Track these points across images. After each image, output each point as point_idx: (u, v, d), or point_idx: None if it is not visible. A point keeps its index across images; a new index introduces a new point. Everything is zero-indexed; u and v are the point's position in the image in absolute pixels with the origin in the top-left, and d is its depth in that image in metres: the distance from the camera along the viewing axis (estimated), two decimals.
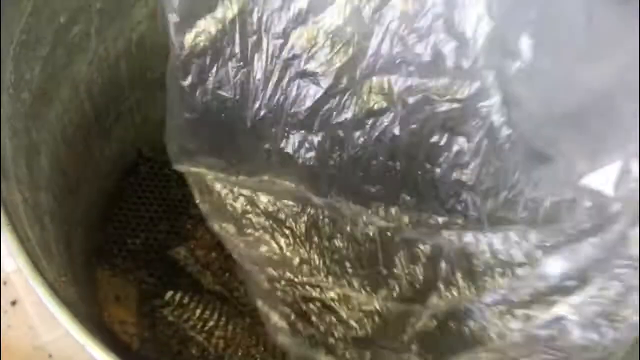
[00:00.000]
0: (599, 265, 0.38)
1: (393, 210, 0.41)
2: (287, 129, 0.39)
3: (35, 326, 0.56)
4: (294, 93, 0.38)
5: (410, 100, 0.37)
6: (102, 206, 0.55)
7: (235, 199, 0.42)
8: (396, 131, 0.38)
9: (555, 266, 0.39)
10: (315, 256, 0.42)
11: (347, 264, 0.42)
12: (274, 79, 0.38)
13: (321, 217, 0.42)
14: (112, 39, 0.49)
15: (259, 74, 0.38)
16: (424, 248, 0.41)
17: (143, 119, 0.59)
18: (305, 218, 0.42)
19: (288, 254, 0.42)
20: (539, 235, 0.39)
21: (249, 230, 0.41)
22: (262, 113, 0.39)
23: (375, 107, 0.37)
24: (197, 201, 0.41)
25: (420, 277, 0.41)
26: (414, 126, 0.38)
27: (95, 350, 0.28)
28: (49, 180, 0.44)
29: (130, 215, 0.57)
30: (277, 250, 0.41)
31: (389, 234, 0.42)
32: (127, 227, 0.57)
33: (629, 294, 0.37)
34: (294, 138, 0.39)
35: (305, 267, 0.42)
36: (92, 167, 0.52)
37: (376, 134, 0.39)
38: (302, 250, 0.42)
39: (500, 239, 0.40)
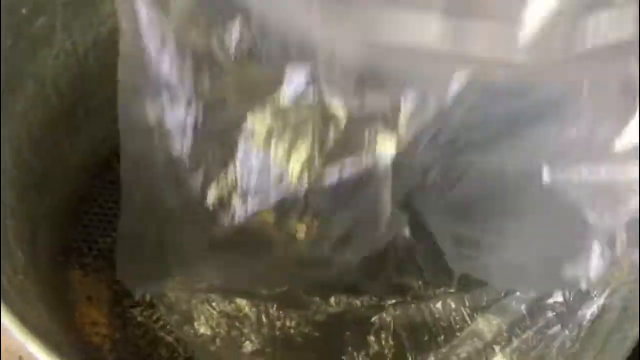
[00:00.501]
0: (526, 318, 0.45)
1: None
2: None
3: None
4: None
5: None
6: (72, 204, 0.53)
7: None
8: None
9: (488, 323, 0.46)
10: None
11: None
12: None
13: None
14: (79, 32, 0.48)
15: None
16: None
17: (115, 116, 0.57)
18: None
19: None
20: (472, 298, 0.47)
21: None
22: None
23: None
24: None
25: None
26: None
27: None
28: (12, 175, 0.42)
29: (102, 213, 0.56)
30: None
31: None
32: (99, 225, 0.55)
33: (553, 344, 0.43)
34: None
35: None
36: (61, 164, 0.51)
37: None
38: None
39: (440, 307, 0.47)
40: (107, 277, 0.54)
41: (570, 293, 0.44)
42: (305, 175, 0.39)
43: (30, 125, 0.46)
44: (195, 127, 0.39)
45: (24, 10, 0.41)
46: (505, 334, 0.46)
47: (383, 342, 0.46)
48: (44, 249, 0.48)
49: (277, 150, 0.38)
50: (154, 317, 0.47)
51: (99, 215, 0.56)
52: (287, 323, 0.47)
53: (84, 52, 0.49)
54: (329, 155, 0.38)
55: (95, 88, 0.53)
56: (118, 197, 0.58)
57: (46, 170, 0.49)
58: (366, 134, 0.37)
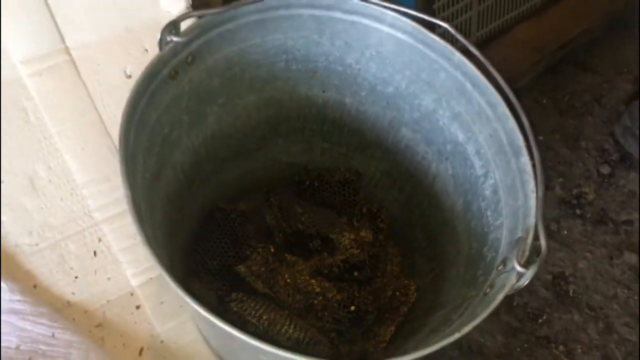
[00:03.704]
0: None
1: None
2: None
3: (152, 321, 0.85)
4: None
5: None
6: (191, 240, 0.84)
7: None
8: None
9: None
10: None
11: None
12: None
13: None
14: (195, 135, 0.79)
15: None
16: None
17: (216, 182, 0.88)
18: None
19: None
20: None
21: None
22: None
23: None
24: None
25: None
26: None
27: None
28: (161, 224, 0.73)
29: (209, 246, 0.85)
30: None
31: None
32: (207, 254, 0.85)
33: None
34: None
35: None
36: (185, 216, 0.81)
37: None
38: None
39: None
40: (213, 286, 0.84)
41: None
42: None
43: (169, 193, 0.77)
44: None
45: (166, 130, 0.73)
46: None
47: None
48: (177, 269, 0.78)
49: None
50: (244, 308, 0.75)
51: (208, 247, 0.86)
52: None
53: (198, 146, 0.80)
54: None
55: (205, 167, 0.84)
56: (219, 235, 0.88)
57: (177, 220, 0.79)
58: None
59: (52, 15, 0.88)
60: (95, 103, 0.88)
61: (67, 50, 0.88)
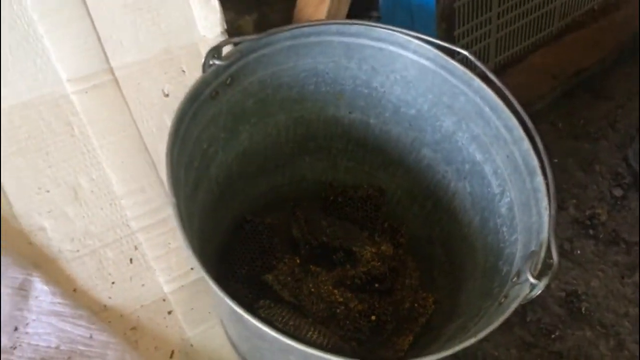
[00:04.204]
0: None
1: None
2: None
3: (182, 326, 0.90)
4: None
5: None
6: (221, 250, 0.89)
7: None
8: None
9: None
10: None
11: None
12: None
13: None
14: (229, 151, 0.84)
15: None
16: None
17: (245, 196, 0.93)
18: None
19: None
20: None
21: None
22: None
23: None
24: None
25: None
26: None
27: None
28: (198, 232, 0.78)
29: (238, 256, 0.90)
30: None
31: None
32: (236, 263, 0.90)
33: None
34: None
35: None
36: (217, 226, 0.86)
37: None
38: None
39: None
40: (242, 294, 0.88)
41: None
42: None
43: (204, 205, 0.82)
44: None
45: (204, 145, 0.78)
46: None
47: None
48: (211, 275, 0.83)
49: None
50: (271, 314, 0.79)
51: (236, 257, 0.91)
52: None
53: (231, 161, 0.86)
54: None
55: (236, 181, 0.89)
56: (247, 246, 0.93)
57: (210, 230, 0.85)
58: None
59: (98, 37, 0.94)
60: (135, 119, 0.94)
61: (111, 70, 0.94)
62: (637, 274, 1.00)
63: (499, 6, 1.09)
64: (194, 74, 0.98)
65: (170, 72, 0.98)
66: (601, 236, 1.05)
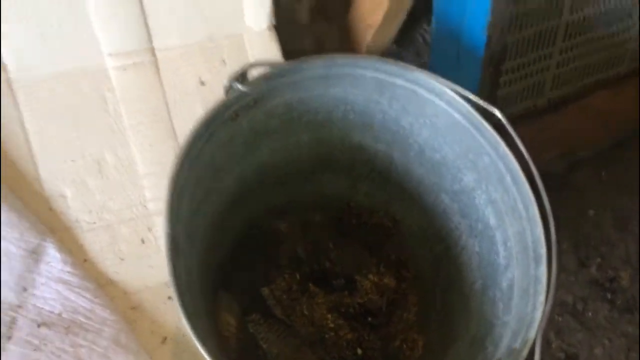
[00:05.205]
0: None
1: None
2: None
3: (179, 315, 0.92)
4: None
5: None
6: (228, 254, 0.90)
7: None
8: None
9: None
10: None
11: None
12: None
13: None
14: (247, 165, 0.84)
15: None
16: None
17: (257, 204, 0.92)
18: None
19: None
20: None
21: None
22: None
23: None
24: None
25: None
26: None
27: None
28: (202, 240, 0.78)
29: (241, 260, 0.91)
30: None
31: None
32: (238, 266, 0.91)
33: None
34: None
35: None
36: (226, 231, 0.87)
37: None
38: None
39: None
40: (239, 303, 0.89)
41: None
42: None
43: (213, 214, 0.82)
44: None
45: (219, 162, 0.78)
46: None
47: None
48: (213, 280, 0.84)
49: None
50: (258, 330, 0.81)
51: (240, 260, 0.92)
52: None
53: (248, 174, 0.86)
54: None
55: (251, 191, 0.88)
56: (251, 252, 0.93)
57: (217, 236, 0.85)
58: None
59: (144, 16, 0.94)
60: (169, 105, 0.95)
61: (152, 51, 0.95)
62: None
63: (564, 41, 1.02)
64: (234, 67, 0.97)
65: (211, 61, 0.97)
66: (618, 302, 1.01)
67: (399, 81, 0.75)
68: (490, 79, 0.91)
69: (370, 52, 1.14)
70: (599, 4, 0.98)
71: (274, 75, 0.73)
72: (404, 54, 1.17)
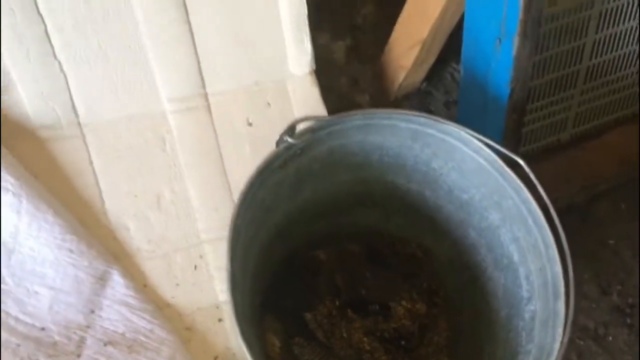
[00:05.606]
0: None
1: None
2: None
3: (228, 335, 1.01)
4: None
5: None
6: (273, 281, 0.98)
7: None
8: None
9: None
10: None
11: None
12: None
13: None
14: (291, 203, 0.93)
15: None
16: None
17: (301, 234, 1.00)
18: None
19: None
20: None
21: None
22: None
23: None
24: None
25: None
26: None
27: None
28: (253, 270, 0.86)
29: (285, 287, 1.00)
30: None
31: None
32: (282, 294, 0.99)
33: None
34: None
35: None
36: (268, 263, 0.96)
37: None
38: None
39: None
40: (284, 325, 0.97)
41: None
42: None
43: (262, 246, 0.91)
44: None
45: (267, 203, 0.86)
46: None
47: None
48: (260, 304, 0.93)
49: None
50: (302, 353, 0.88)
51: (283, 287, 1.00)
52: None
53: (292, 211, 0.94)
54: None
55: (294, 224, 0.97)
56: (293, 282, 1.01)
57: (265, 265, 0.94)
58: None
59: (199, 63, 1.03)
60: (220, 143, 1.04)
61: (205, 96, 1.04)
62: None
63: (584, 83, 1.09)
64: (278, 109, 1.06)
65: (257, 103, 1.06)
66: (637, 326, 1.07)
67: (431, 131, 0.84)
68: (514, 123, 0.99)
69: (403, 91, 1.22)
70: (616, 49, 1.05)
71: (319, 127, 0.82)
72: (434, 92, 1.25)
